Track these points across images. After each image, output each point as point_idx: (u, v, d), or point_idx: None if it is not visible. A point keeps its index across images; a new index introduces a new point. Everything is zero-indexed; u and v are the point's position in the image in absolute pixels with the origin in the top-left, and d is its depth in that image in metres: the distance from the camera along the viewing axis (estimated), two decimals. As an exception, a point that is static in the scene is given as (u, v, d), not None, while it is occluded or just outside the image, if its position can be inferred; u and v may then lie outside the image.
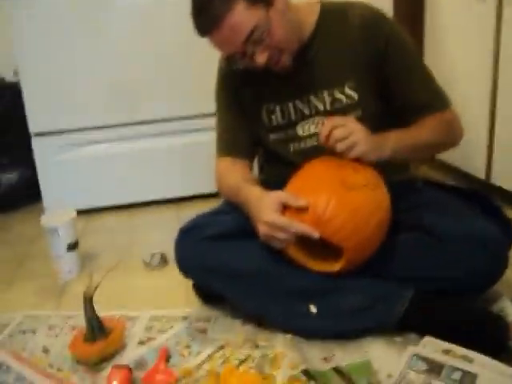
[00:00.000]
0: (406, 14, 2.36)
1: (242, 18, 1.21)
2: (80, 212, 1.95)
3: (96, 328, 1.28)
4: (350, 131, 1.21)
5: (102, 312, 1.33)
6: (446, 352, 1.17)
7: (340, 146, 1.21)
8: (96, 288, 1.29)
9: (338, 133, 1.21)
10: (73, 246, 1.75)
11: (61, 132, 2.29)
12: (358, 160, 1.24)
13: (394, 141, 1.28)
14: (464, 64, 2.14)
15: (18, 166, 2.52)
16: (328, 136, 1.22)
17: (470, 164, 2.15)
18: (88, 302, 1.28)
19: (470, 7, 2.00)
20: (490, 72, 1.94)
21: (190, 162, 2.36)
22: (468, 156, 2.12)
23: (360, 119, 1.30)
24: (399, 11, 2.34)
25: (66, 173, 2.33)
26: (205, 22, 1.23)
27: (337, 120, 1.24)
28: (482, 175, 2.07)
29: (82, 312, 1.30)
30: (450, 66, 2.18)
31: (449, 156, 2.24)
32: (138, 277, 1.74)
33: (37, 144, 2.29)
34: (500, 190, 1.96)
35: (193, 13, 1.26)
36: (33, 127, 2.27)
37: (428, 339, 1.21)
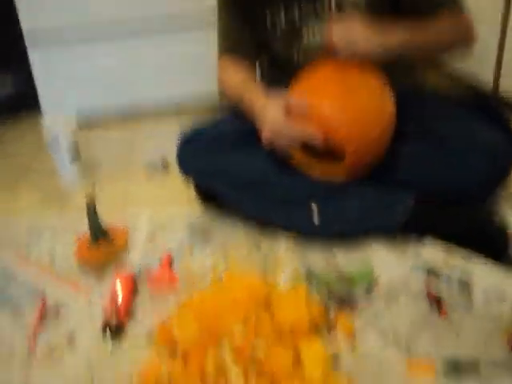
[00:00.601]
0: None
1: None
2: (80, 124, 1.93)
3: (100, 234, 1.30)
4: (349, 32, 1.17)
5: (105, 218, 1.34)
6: (446, 255, 1.19)
7: (344, 51, 1.18)
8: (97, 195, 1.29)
9: (337, 34, 1.17)
10: (75, 156, 1.74)
11: (55, 30, 2.21)
12: (364, 62, 1.20)
13: (403, 32, 1.23)
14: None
15: (14, 73, 2.44)
16: (330, 42, 1.19)
17: (478, 74, 2.10)
18: (91, 208, 1.29)
19: None
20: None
21: (191, 65, 2.30)
22: (476, 65, 2.06)
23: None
24: None
25: (63, 78, 2.27)
26: None
27: (337, 24, 1.19)
28: (489, 85, 2.03)
29: (85, 220, 1.31)
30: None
31: (457, 66, 2.19)
32: (140, 183, 1.74)
33: (30, 44, 2.21)
34: (508, 101, 1.93)
35: None
36: (25, 25, 2.17)
37: (428, 243, 1.22)
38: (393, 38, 1.21)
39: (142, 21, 2.24)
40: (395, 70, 1.28)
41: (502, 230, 1.22)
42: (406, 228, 1.24)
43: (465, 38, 1.35)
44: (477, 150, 1.21)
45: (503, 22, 1.90)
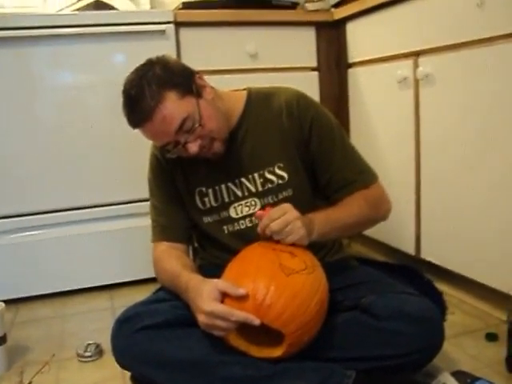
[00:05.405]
0: (332, 95, 2.49)
1: (173, 109, 1.25)
2: (9, 302, 1.86)
3: (27, 431, 1.21)
4: (286, 223, 1.25)
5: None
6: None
7: (277, 237, 1.26)
8: (27, 387, 1.22)
9: (275, 226, 1.25)
10: (0, 341, 1.65)
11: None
12: (293, 244, 1.27)
13: (320, 224, 1.33)
14: (388, 144, 2.22)
15: None
16: (266, 228, 1.26)
17: (400, 240, 2.20)
18: (18, 402, 1.21)
19: (390, 89, 2.11)
20: (412, 150, 2.02)
21: (124, 247, 2.31)
22: (397, 232, 2.17)
23: (291, 197, 1.38)
24: (325, 93, 2.47)
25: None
26: (137, 115, 1.26)
27: (273, 213, 1.27)
28: (411, 250, 2.12)
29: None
30: (375, 145, 2.27)
31: (379, 233, 2.29)
32: (72, 370, 1.65)
33: None
34: (430, 265, 2.01)
35: (124, 106, 1.29)
36: None
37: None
38: (314, 229, 1.31)
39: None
40: (321, 247, 1.34)
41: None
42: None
43: (381, 210, 1.46)
44: (408, 318, 1.24)
45: (417, 187, 2.04)
